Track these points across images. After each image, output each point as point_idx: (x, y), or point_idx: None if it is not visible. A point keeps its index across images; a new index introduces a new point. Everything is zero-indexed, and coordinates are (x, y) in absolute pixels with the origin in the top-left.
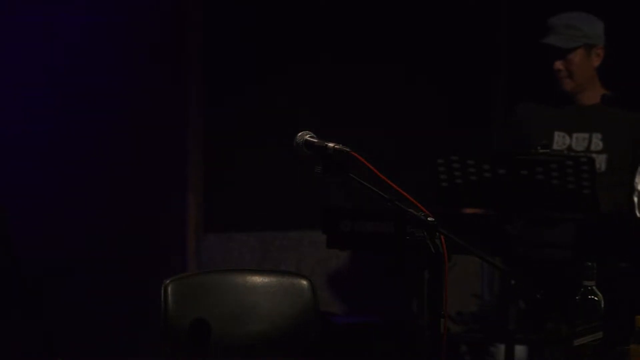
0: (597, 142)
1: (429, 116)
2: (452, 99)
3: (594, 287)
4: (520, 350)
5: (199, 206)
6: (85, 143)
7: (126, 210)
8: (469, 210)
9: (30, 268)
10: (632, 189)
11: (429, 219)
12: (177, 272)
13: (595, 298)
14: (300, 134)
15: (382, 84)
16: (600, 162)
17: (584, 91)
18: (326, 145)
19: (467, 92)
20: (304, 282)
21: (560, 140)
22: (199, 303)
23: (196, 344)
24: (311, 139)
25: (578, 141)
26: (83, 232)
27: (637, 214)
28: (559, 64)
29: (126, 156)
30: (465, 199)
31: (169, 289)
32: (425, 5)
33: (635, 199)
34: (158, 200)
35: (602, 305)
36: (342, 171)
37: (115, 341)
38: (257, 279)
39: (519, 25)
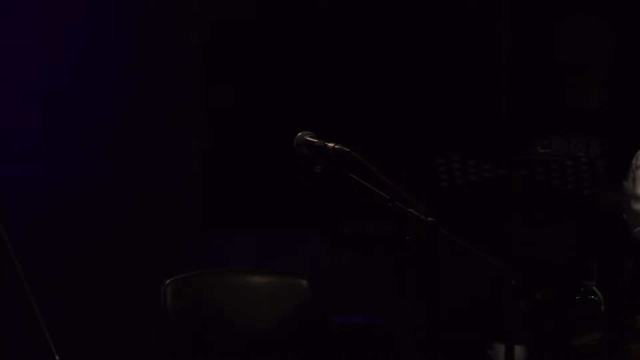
0: (595, 147)
1: (429, 117)
2: (452, 100)
3: (594, 287)
4: (520, 350)
5: (199, 206)
6: (84, 143)
7: (126, 210)
8: (468, 211)
9: (30, 268)
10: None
11: (429, 219)
12: (177, 272)
13: (595, 298)
14: (300, 134)
15: (382, 84)
16: (599, 167)
17: (588, 96)
18: (326, 145)
19: (467, 92)
20: (304, 282)
21: (558, 145)
22: (199, 303)
23: (196, 344)
24: (311, 139)
25: (576, 146)
26: (82, 232)
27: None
28: (582, 81)
29: (125, 156)
30: (466, 199)
31: (169, 289)
32: (426, 6)
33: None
34: (157, 200)
35: (602, 305)
36: (342, 171)
37: (115, 341)
38: (257, 279)
39: (521, 26)
